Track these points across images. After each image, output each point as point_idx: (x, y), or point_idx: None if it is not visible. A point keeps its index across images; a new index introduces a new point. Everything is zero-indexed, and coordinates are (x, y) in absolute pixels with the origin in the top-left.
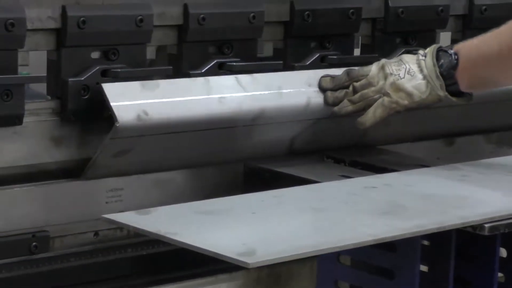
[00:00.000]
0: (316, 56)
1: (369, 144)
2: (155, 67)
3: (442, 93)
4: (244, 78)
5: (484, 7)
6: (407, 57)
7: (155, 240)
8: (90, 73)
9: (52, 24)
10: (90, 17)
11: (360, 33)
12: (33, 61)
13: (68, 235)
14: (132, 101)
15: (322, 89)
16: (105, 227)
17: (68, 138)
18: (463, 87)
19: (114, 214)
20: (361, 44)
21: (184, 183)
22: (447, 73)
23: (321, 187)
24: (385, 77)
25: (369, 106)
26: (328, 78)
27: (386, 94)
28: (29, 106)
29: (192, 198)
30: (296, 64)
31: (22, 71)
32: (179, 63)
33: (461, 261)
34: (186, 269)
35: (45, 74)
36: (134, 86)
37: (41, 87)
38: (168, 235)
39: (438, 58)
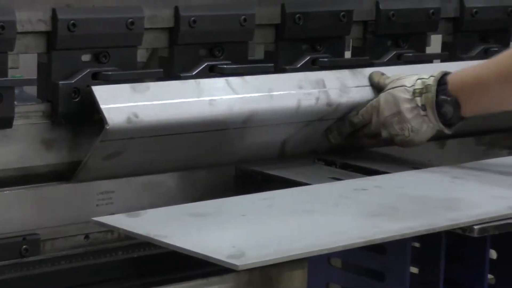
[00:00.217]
0: (307, 58)
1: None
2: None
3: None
4: (234, 80)
5: (475, 10)
6: (406, 113)
7: (146, 243)
8: (81, 76)
9: (43, 27)
10: (81, 20)
11: (351, 36)
12: (24, 64)
13: (59, 238)
14: (123, 103)
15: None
16: (96, 230)
17: (58, 141)
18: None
19: (104, 216)
20: (352, 46)
21: (175, 186)
22: (454, 119)
23: (311, 190)
24: (391, 136)
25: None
26: (336, 133)
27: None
28: (19, 109)
29: (183, 201)
30: (287, 67)
31: (15, 74)
32: (170, 66)
33: (451, 263)
34: (177, 271)
35: (35, 77)
36: (124, 88)
37: (35, 90)
38: (157, 238)
39: (438, 105)
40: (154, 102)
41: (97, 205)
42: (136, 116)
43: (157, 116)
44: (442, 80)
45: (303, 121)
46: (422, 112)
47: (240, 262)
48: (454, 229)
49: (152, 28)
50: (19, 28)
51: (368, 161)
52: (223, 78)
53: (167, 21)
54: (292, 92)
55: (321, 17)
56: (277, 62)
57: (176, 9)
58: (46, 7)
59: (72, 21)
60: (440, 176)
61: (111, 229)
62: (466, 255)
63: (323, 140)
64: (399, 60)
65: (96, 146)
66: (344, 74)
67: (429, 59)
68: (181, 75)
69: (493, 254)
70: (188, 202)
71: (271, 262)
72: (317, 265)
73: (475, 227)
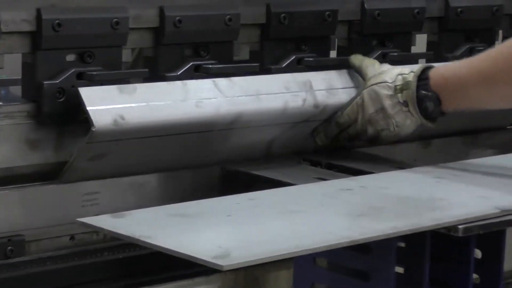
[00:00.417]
0: (293, 58)
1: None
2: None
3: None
4: (221, 81)
5: (459, 9)
6: (390, 109)
7: (131, 244)
8: (66, 75)
9: (27, 27)
10: (66, 19)
11: (337, 35)
12: (8, 64)
13: (44, 239)
14: (109, 105)
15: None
16: (81, 231)
17: (43, 141)
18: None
19: (89, 217)
20: (338, 46)
21: (161, 187)
22: (436, 113)
23: (296, 190)
24: (377, 131)
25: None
26: (322, 135)
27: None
28: (3, 109)
29: (169, 202)
30: (272, 67)
31: (0, 74)
32: (156, 66)
33: (436, 263)
34: (163, 272)
35: (20, 77)
36: (111, 90)
37: (19, 90)
38: (142, 239)
39: (419, 100)
40: (141, 104)
41: (82, 206)
42: (122, 118)
43: (143, 118)
44: (423, 75)
45: (290, 123)
46: (405, 108)
47: (225, 263)
48: (439, 229)
49: (137, 28)
50: (4, 28)
51: (353, 161)
52: (210, 79)
53: (152, 21)
54: (279, 93)
55: (306, 17)
56: (262, 62)
57: (161, 9)
58: (31, 7)
59: (56, 21)
60: (425, 176)
61: (96, 230)
62: (451, 254)
63: (309, 141)
64: (384, 60)
65: (81, 148)
66: (331, 75)
67: (414, 58)
68: (167, 75)
69: (478, 253)
70: (173, 203)
71: (256, 263)
72: (303, 265)
73: (460, 226)
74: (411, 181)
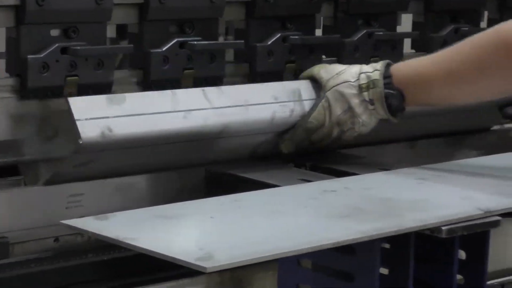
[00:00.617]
0: (278, 36)
1: (330, 148)
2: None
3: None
4: (211, 91)
5: None
6: (357, 107)
7: (116, 245)
8: (50, 50)
9: (11, 1)
10: None
11: (322, 14)
12: None
13: (29, 241)
14: (97, 116)
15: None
16: (66, 233)
17: (27, 116)
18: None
19: (73, 219)
20: (323, 25)
21: (146, 188)
22: (399, 109)
23: (280, 191)
24: (342, 132)
25: None
26: (288, 142)
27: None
28: None
29: (154, 203)
30: (258, 44)
31: None
32: (140, 42)
33: (421, 264)
34: (148, 274)
35: (3, 51)
36: (100, 100)
37: (3, 64)
38: (126, 241)
39: (385, 98)
40: (128, 116)
41: (66, 208)
42: (110, 130)
43: (130, 130)
44: (385, 73)
45: (276, 132)
46: (370, 106)
47: (208, 265)
48: (423, 230)
49: (122, 3)
50: None
51: (337, 163)
52: (200, 88)
53: None
54: (268, 103)
55: None
56: (247, 40)
57: None
58: None
59: None
60: (409, 177)
61: (81, 232)
62: (435, 255)
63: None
64: (369, 39)
65: (67, 157)
66: None
67: (400, 37)
68: (152, 51)
69: (462, 254)
70: (158, 205)
71: (240, 264)
72: (287, 266)
73: (443, 228)
74: (395, 182)
